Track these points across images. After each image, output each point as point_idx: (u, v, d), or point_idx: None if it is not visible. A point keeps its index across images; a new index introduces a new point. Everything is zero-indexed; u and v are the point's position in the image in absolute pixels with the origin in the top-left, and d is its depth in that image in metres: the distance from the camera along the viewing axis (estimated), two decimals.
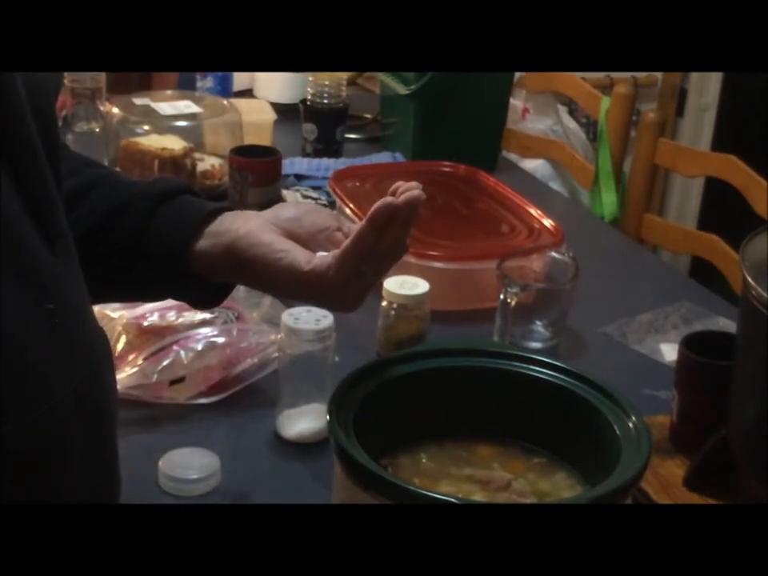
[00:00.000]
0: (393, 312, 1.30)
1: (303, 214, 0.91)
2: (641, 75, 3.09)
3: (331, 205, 1.76)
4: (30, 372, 0.69)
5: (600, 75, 2.96)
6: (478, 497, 0.89)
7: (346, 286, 0.85)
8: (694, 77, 3.09)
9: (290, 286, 0.87)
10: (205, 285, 0.92)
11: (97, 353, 0.78)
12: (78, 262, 0.79)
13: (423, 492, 0.80)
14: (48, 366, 0.71)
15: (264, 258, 0.86)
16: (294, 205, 1.00)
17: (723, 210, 2.19)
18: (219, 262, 0.89)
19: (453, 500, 0.80)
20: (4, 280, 0.67)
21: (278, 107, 2.10)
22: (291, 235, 0.89)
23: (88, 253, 0.83)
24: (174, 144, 1.80)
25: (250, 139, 1.87)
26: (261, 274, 0.87)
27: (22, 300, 0.69)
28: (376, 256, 0.85)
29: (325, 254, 0.86)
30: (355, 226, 0.87)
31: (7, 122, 0.70)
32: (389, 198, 0.83)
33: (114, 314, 1.25)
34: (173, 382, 1.21)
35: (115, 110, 1.87)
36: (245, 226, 0.89)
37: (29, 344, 0.69)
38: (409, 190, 0.85)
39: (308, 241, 0.89)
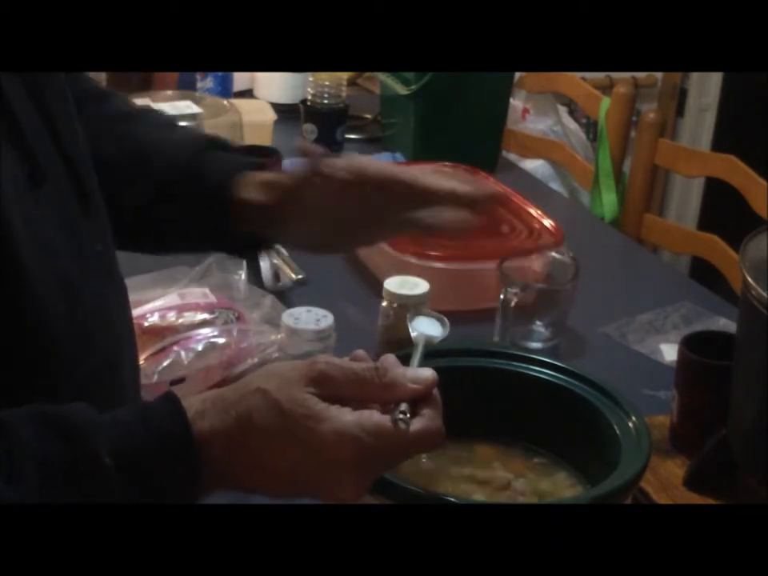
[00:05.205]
0: (393, 312, 1.30)
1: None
2: (641, 75, 3.08)
3: None
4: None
5: (600, 75, 2.96)
6: (478, 497, 0.89)
7: None
8: (694, 77, 3.09)
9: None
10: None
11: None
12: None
13: (423, 492, 0.80)
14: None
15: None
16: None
17: (723, 210, 2.19)
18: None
19: (453, 500, 0.80)
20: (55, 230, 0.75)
21: (277, 107, 2.10)
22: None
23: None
24: None
25: (250, 139, 1.87)
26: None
27: (70, 245, 0.76)
28: None
29: None
30: None
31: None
32: None
33: None
34: (173, 383, 1.21)
35: None
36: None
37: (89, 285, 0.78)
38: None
39: None
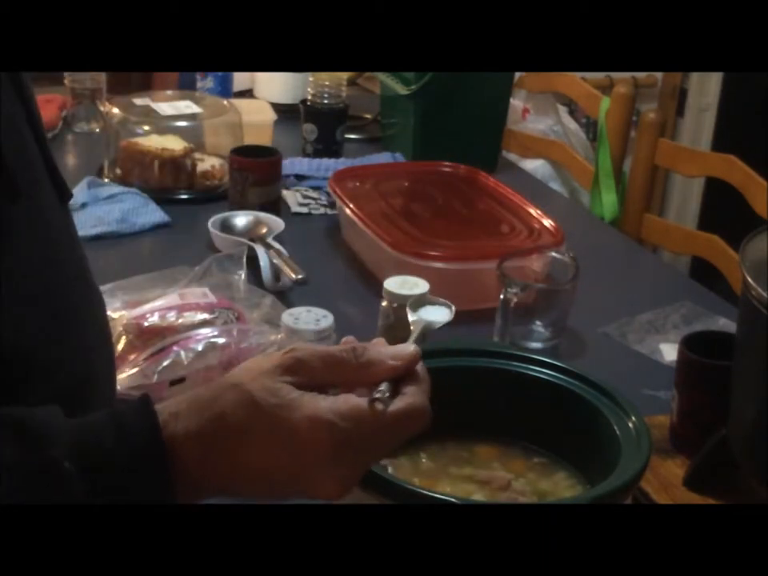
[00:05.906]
0: (393, 312, 1.30)
1: None
2: (641, 75, 3.09)
3: (331, 205, 1.77)
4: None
5: (600, 75, 2.96)
6: (478, 497, 0.89)
7: None
8: (694, 77, 3.09)
9: None
10: None
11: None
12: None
13: (423, 492, 0.80)
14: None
15: None
16: None
17: (723, 210, 2.19)
18: None
19: (453, 500, 0.80)
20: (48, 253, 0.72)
21: (278, 107, 2.10)
22: None
23: None
24: (174, 144, 1.81)
25: (250, 139, 1.87)
26: None
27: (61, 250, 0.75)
28: None
29: None
30: None
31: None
32: None
33: (114, 315, 1.25)
34: (173, 383, 1.21)
35: (115, 110, 1.88)
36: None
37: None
38: None
39: None
